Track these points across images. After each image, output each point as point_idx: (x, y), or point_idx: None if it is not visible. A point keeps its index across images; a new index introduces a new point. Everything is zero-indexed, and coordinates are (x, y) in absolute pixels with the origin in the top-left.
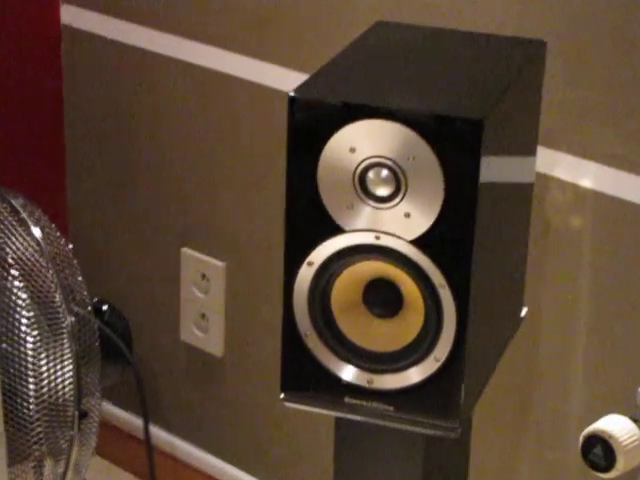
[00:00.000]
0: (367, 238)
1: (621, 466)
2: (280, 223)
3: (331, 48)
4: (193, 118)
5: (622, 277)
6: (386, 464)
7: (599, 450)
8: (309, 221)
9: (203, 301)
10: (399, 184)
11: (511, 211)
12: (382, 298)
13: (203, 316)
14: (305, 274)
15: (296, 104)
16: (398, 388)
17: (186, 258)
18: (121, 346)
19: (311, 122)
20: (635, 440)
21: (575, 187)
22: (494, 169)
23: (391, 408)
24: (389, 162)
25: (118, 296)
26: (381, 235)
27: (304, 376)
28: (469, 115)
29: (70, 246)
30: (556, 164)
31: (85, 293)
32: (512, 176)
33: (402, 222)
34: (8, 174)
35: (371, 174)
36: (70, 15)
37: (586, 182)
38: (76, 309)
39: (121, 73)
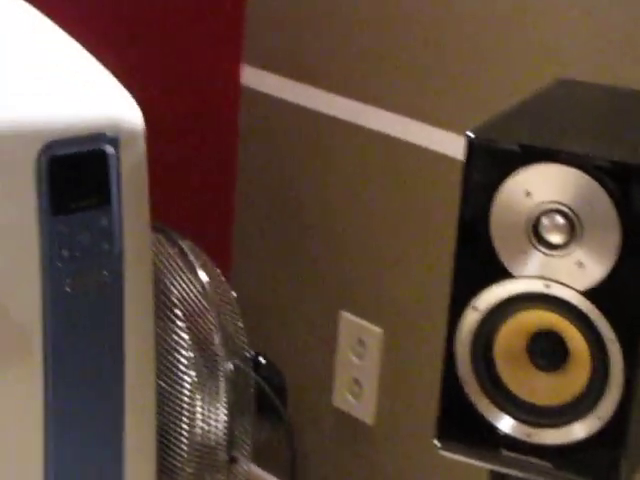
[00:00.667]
0: (537, 286)
1: None
2: (442, 293)
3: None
4: (360, 182)
5: None
6: None
7: None
8: (478, 264)
9: (358, 366)
10: (573, 232)
11: None
12: (547, 350)
13: (356, 382)
14: (470, 319)
15: (474, 145)
16: (557, 444)
17: (344, 322)
18: (275, 401)
19: (488, 164)
20: None
21: None
22: None
23: (550, 465)
24: (565, 208)
25: (274, 353)
26: (551, 284)
27: (460, 425)
28: None
29: (234, 294)
30: None
31: (245, 340)
32: None
33: (574, 272)
34: (179, 222)
35: (546, 220)
36: (249, 76)
37: None
38: (234, 360)
39: (295, 135)
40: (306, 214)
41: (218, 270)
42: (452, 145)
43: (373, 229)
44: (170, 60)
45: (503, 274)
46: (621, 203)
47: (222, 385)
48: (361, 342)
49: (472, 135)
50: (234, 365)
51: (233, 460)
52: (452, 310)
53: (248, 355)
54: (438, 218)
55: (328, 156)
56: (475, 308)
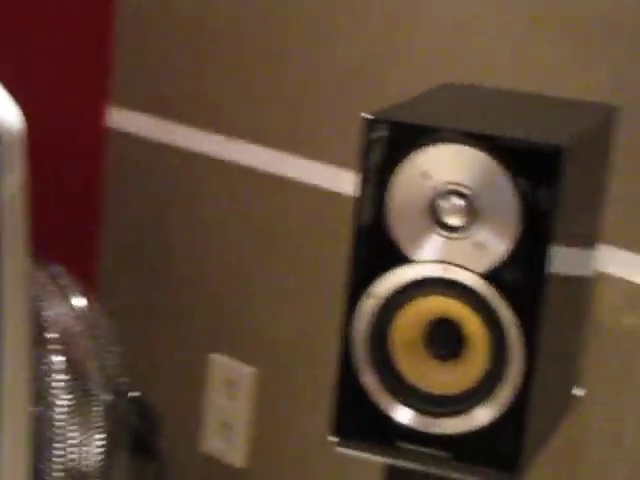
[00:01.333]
0: (435, 270)
1: None
2: (312, 329)
3: None
4: (230, 218)
5: None
6: None
7: None
8: (375, 250)
9: (229, 409)
10: (472, 213)
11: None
12: (445, 338)
13: (227, 425)
14: (366, 307)
15: (372, 125)
16: (457, 433)
17: (214, 364)
18: (149, 437)
19: (385, 145)
20: None
21: (630, 284)
22: (573, 200)
23: (447, 454)
24: (463, 189)
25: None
26: (450, 267)
27: (357, 419)
28: (550, 141)
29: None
30: (610, 260)
31: (120, 367)
32: (583, 232)
33: (473, 254)
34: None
35: (444, 202)
36: (116, 117)
37: None
38: (110, 387)
39: (164, 173)
40: (175, 253)
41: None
42: (325, 177)
43: (243, 267)
44: (36, 101)
45: (401, 259)
46: (520, 182)
47: (98, 411)
48: (232, 383)
49: (370, 116)
50: (111, 393)
51: None
52: (349, 298)
53: (123, 382)
54: (310, 253)
55: (198, 193)
56: (372, 295)
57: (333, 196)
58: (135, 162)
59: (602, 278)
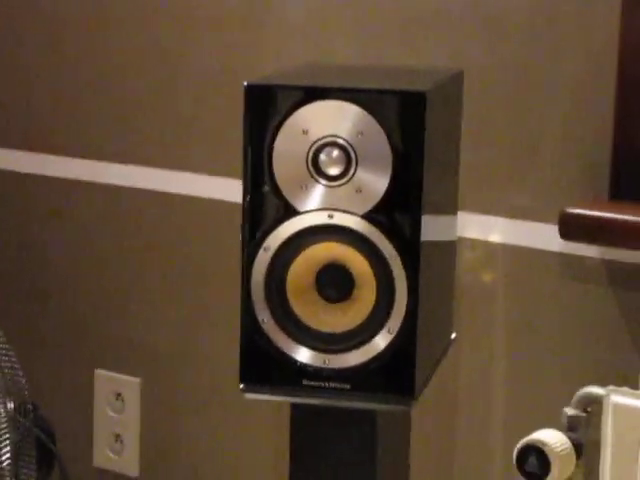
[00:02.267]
0: (321, 217)
1: (556, 474)
2: (190, 334)
3: None
4: (103, 236)
5: (535, 313)
6: (339, 445)
7: (534, 460)
8: (265, 207)
9: (117, 421)
10: (349, 161)
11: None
12: (334, 282)
13: (117, 437)
14: (261, 260)
15: (251, 90)
16: (353, 365)
17: (100, 379)
18: (51, 446)
19: (265, 108)
20: (567, 448)
21: (484, 243)
22: (437, 143)
23: (348, 386)
24: (340, 140)
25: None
26: (334, 213)
27: (262, 365)
28: (413, 88)
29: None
30: (465, 225)
31: (23, 380)
32: (447, 172)
33: (354, 198)
34: None
35: (323, 154)
36: None
37: (495, 237)
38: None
39: (29, 200)
40: (52, 276)
41: None
42: (196, 186)
43: (118, 283)
44: None
45: (290, 212)
46: (389, 128)
47: (2, 414)
48: (119, 396)
49: (248, 83)
50: (12, 401)
51: None
52: (245, 254)
53: (24, 391)
54: (183, 258)
55: (68, 216)
56: (265, 249)
57: (207, 204)
58: (5, 194)
59: (461, 241)
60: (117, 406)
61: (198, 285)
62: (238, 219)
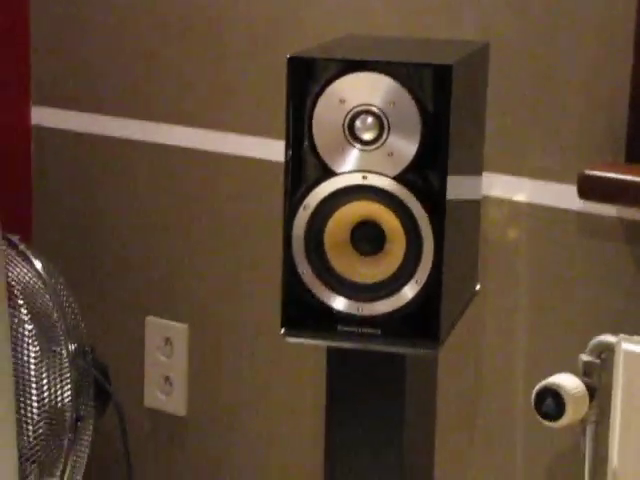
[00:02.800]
0: (355, 178)
1: (570, 413)
2: (238, 283)
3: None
4: (155, 192)
5: (556, 267)
6: (371, 386)
7: (550, 402)
8: (306, 168)
9: (167, 365)
10: (382, 128)
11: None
12: (367, 237)
13: (167, 379)
14: (301, 217)
15: (293, 62)
16: (384, 313)
17: (150, 325)
18: (106, 384)
19: (306, 79)
20: (580, 391)
21: (510, 202)
22: (462, 111)
23: (378, 331)
24: (373, 108)
25: None
26: (368, 174)
27: (301, 312)
28: (440, 62)
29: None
30: (492, 185)
31: (81, 322)
32: (473, 137)
33: (386, 161)
34: None
35: (358, 121)
36: (38, 114)
37: (520, 197)
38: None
39: (92, 161)
40: (108, 230)
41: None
42: (247, 147)
43: (169, 237)
44: None
45: (327, 173)
46: (418, 97)
47: (64, 356)
48: (168, 341)
49: (291, 55)
50: (73, 341)
51: (79, 419)
52: (287, 211)
53: (83, 332)
54: (230, 217)
55: (125, 173)
56: (305, 206)
57: (252, 163)
58: (61, 153)
59: (488, 200)
60: (166, 350)
61: (242, 240)
62: (281, 178)
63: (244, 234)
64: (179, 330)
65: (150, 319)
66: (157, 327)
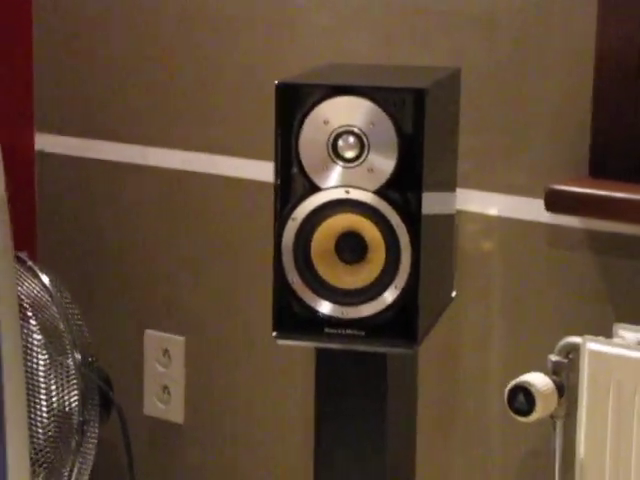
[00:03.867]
0: (339, 193)
1: (540, 409)
2: (231, 297)
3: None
4: (149, 211)
5: (526, 276)
6: (356, 383)
7: (521, 398)
8: (293, 184)
9: (165, 375)
10: (363, 147)
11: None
12: (350, 247)
13: (165, 388)
14: (290, 229)
15: (281, 88)
16: (367, 316)
17: (149, 338)
18: (109, 393)
19: (293, 103)
20: (549, 388)
21: (483, 216)
22: (436, 131)
23: (362, 333)
24: (354, 129)
25: None
26: (350, 189)
27: (291, 317)
28: (415, 86)
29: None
30: (467, 200)
31: (86, 334)
32: (446, 155)
33: (366, 177)
34: None
35: (341, 141)
36: (42, 141)
37: (492, 211)
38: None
39: (89, 183)
40: (107, 248)
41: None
42: (236, 168)
43: (167, 253)
44: None
45: (313, 189)
46: (397, 118)
47: (71, 365)
48: (166, 352)
49: (278, 82)
50: (79, 351)
51: (85, 423)
52: (277, 224)
53: (88, 342)
54: (224, 233)
55: (123, 195)
56: (293, 219)
57: (244, 184)
58: (63, 176)
59: (463, 214)
60: (164, 361)
61: (236, 254)
62: (270, 197)
63: (237, 251)
64: (176, 342)
65: (149, 332)
66: (155, 339)
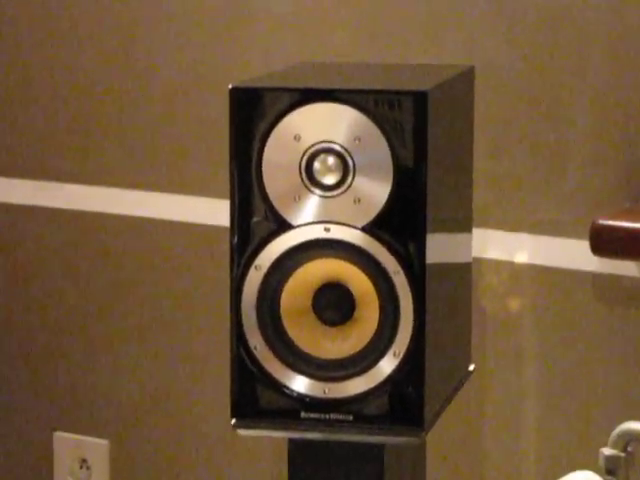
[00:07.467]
0: (316, 231)
1: None
2: (171, 380)
3: None
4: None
5: (568, 342)
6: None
7: None
8: (256, 220)
9: None
10: (347, 169)
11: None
12: (333, 303)
13: None
14: (252, 280)
15: (236, 94)
16: (356, 394)
17: (60, 442)
18: None
19: (253, 113)
20: None
21: (509, 264)
22: (443, 148)
23: (350, 417)
24: (335, 146)
25: None
26: (331, 226)
27: (256, 396)
28: (414, 88)
29: None
30: (487, 243)
31: None
32: (458, 182)
33: (352, 209)
34: None
35: (317, 162)
36: None
37: (520, 257)
38: None
39: None
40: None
41: None
42: (167, 209)
43: (82, 328)
44: None
45: (282, 226)
46: (390, 130)
47: None
48: (84, 462)
49: (233, 86)
50: None
51: None
52: (234, 274)
53: None
54: (153, 309)
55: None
56: (257, 267)
57: (185, 228)
58: None
59: (482, 262)
60: (82, 475)
61: (174, 324)
62: (224, 242)
63: (179, 314)
64: (97, 447)
65: (59, 435)
66: (68, 444)
